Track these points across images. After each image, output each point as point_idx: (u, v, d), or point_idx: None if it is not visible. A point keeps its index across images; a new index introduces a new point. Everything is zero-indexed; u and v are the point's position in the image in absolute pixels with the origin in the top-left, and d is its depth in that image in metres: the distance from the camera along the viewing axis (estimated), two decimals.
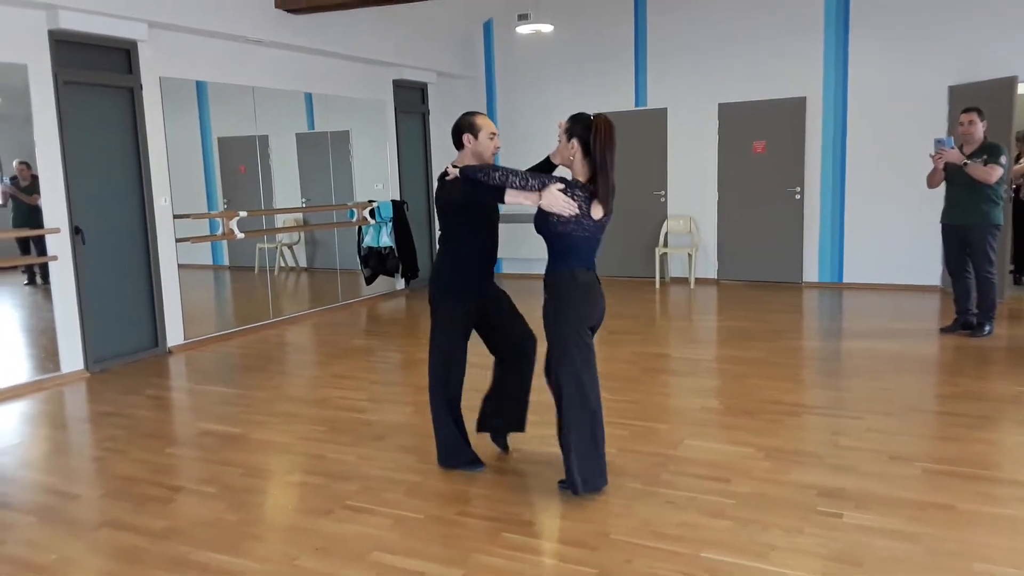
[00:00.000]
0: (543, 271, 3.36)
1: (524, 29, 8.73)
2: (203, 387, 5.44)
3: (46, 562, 2.95)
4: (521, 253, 9.50)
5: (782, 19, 8.27)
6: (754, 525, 3.03)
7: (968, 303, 6.01)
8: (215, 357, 6.27)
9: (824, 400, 4.66)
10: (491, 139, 3.48)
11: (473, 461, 3.67)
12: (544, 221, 3.21)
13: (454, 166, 3.40)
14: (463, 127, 3.49)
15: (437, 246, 9.67)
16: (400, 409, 4.70)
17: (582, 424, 3.23)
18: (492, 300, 3.65)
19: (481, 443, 3.82)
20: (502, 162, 10.52)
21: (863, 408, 4.39)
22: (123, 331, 6.05)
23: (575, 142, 3.18)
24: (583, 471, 3.24)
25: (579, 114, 3.24)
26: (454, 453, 3.66)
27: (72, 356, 5.67)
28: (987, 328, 5.93)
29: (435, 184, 10.09)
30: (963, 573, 2.65)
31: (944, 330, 6.14)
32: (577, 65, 9.32)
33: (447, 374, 3.59)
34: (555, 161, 3.46)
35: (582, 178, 3.21)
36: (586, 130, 3.15)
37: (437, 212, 3.57)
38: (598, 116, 3.17)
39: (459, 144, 3.52)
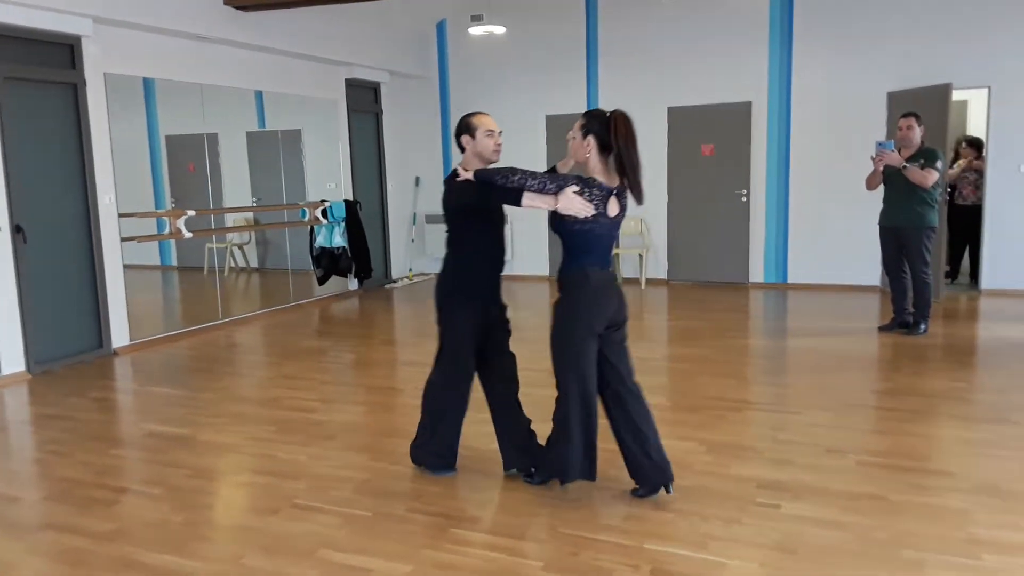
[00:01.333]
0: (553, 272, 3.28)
1: (477, 30, 8.78)
2: (149, 388, 5.36)
3: None
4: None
5: (729, 26, 8.47)
6: (695, 517, 3.12)
7: (905, 303, 6.24)
8: (162, 358, 6.18)
9: (766, 396, 4.79)
10: (489, 136, 3.38)
11: (447, 466, 3.61)
12: (560, 220, 3.16)
13: (464, 168, 3.32)
14: (460, 129, 3.41)
15: (394, 242, 9.71)
16: (351, 409, 4.70)
17: (580, 419, 3.21)
18: (498, 314, 3.54)
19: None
20: (451, 162, 10.49)
21: (802, 404, 4.54)
22: (66, 332, 5.92)
23: (591, 139, 3.14)
24: (583, 461, 3.24)
25: (595, 110, 3.22)
26: (446, 457, 3.60)
27: (13, 357, 5.53)
28: (922, 327, 6.16)
29: (389, 184, 10.06)
30: (892, 560, 2.77)
31: (882, 329, 6.36)
32: (530, 67, 9.39)
33: (461, 382, 3.50)
34: (562, 169, 3.47)
35: (598, 175, 3.15)
36: (603, 127, 3.11)
37: (444, 215, 3.43)
38: (616, 112, 3.13)
39: (461, 147, 3.44)
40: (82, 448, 4.13)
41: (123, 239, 6.34)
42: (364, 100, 9.23)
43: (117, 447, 4.16)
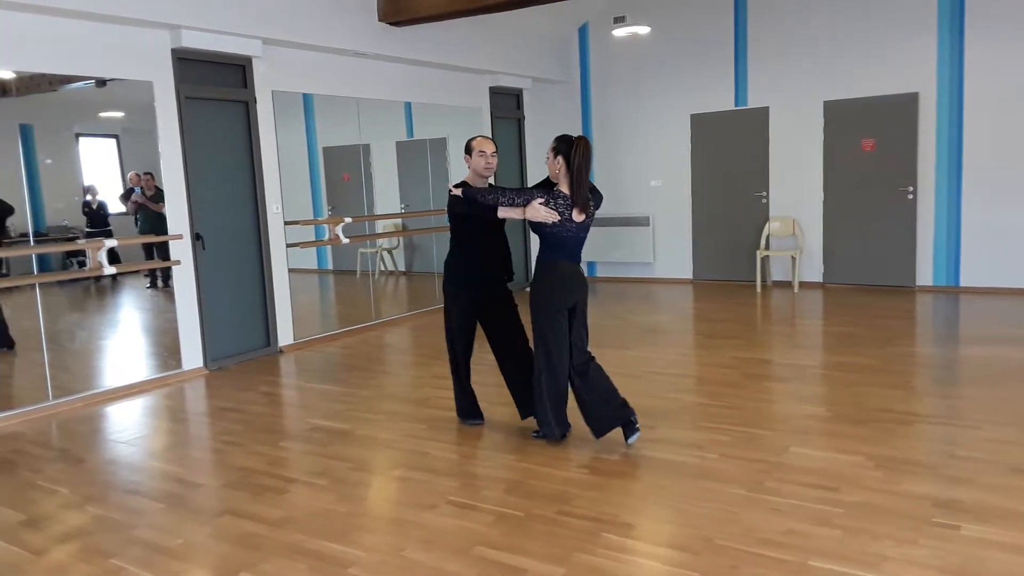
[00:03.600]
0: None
1: (620, 32, 8.72)
2: (312, 385, 5.68)
3: (173, 546, 3.16)
4: (615, 256, 9.47)
5: (891, 11, 7.94)
6: (864, 535, 2.94)
7: None
8: (322, 357, 6.54)
9: (939, 409, 4.45)
10: (480, 156, 4.12)
11: (471, 415, 4.51)
12: (536, 223, 3.87)
13: (462, 184, 4.11)
14: (465, 150, 4.20)
15: (533, 250, 9.78)
16: (497, 410, 4.77)
17: (551, 384, 3.92)
18: (497, 301, 4.32)
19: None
20: (601, 161, 10.37)
21: (981, 417, 4.17)
22: (239, 331, 6.38)
23: (560, 159, 3.83)
24: (556, 418, 3.97)
25: (564, 136, 3.89)
26: (465, 410, 4.52)
27: (193, 354, 6.03)
28: None
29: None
30: None
31: None
32: (674, 66, 9.21)
33: (452, 353, 4.41)
34: (554, 179, 4.01)
35: (564, 188, 3.82)
36: (569, 148, 3.79)
37: (448, 219, 4.24)
38: (579, 138, 3.82)
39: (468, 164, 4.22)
40: (254, 439, 4.43)
41: (288, 245, 6.77)
42: (507, 106, 9.38)
43: (285, 439, 4.44)
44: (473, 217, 4.05)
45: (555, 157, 3.85)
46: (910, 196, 8.07)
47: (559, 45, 9.75)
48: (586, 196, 3.81)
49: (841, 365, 5.42)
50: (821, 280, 8.65)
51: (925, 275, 8.13)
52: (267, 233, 6.53)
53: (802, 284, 8.65)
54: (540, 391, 3.96)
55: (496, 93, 9.11)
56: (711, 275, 9.27)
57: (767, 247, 8.79)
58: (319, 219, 7.30)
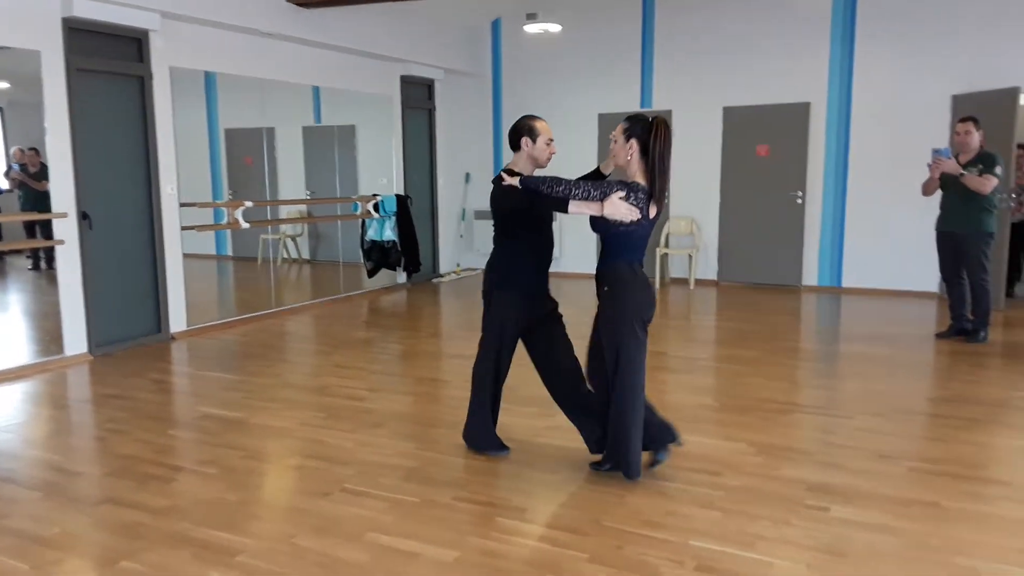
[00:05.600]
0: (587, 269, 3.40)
1: (532, 28, 8.81)
2: (205, 373, 5.51)
3: (49, 535, 3.02)
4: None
5: (789, 25, 8.33)
6: (742, 516, 3.10)
7: (963, 309, 6.07)
8: (217, 344, 6.34)
9: (817, 400, 4.72)
10: (548, 145, 3.54)
11: (498, 446, 3.76)
12: (604, 222, 3.25)
13: (509, 171, 3.46)
14: (522, 130, 3.53)
15: (443, 238, 9.80)
16: (399, 399, 4.77)
17: (636, 414, 3.33)
18: (547, 313, 3.69)
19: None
20: (501, 160, 10.50)
21: (854, 408, 4.45)
22: (127, 316, 6.12)
23: (634, 142, 3.24)
24: (636, 455, 3.39)
25: (638, 115, 3.31)
26: (482, 437, 3.76)
27: (76, 339, 5.74)
28: (982, 334, 5.99)
29: (439, 180, 10.14)
30: (945, 566, 2.71)
31: (940, 335, 6.20)
32: (584, 65, 9.38)
33: (495, 366, 3.66)
34: (606, 171, 3.58)
35: (639, 178, 3.25)
36: (646, 132, 3.22)
37: (492, 213, 3.59)
38: (658, 119, 3.24)
39: (515, 146, 3.56)
40: (140, 427, 4.26)
41: (183, 228, 6.52)
42: (418, 96, 9.33)
43: (174, 427, 4.29)
44: (523, 211, 3.44)
45: (627, 140, 3.25)
46: (799, 201, 8.49)
47: (472, 38, 9.76)
48: (666, 188, 3.27)
49: (730, 358, 5.67)
50: (716, 278, 9.00)
51: (811, 275, 8.59)
52: (160, 215, 6.28)
53: (698, 281, 8.98)
54: (633, 427, 3.32)
55: (407, 82, 9.04)
56: None
57: (667, 245, 9.08)
58: (217, 202, 7.07)
